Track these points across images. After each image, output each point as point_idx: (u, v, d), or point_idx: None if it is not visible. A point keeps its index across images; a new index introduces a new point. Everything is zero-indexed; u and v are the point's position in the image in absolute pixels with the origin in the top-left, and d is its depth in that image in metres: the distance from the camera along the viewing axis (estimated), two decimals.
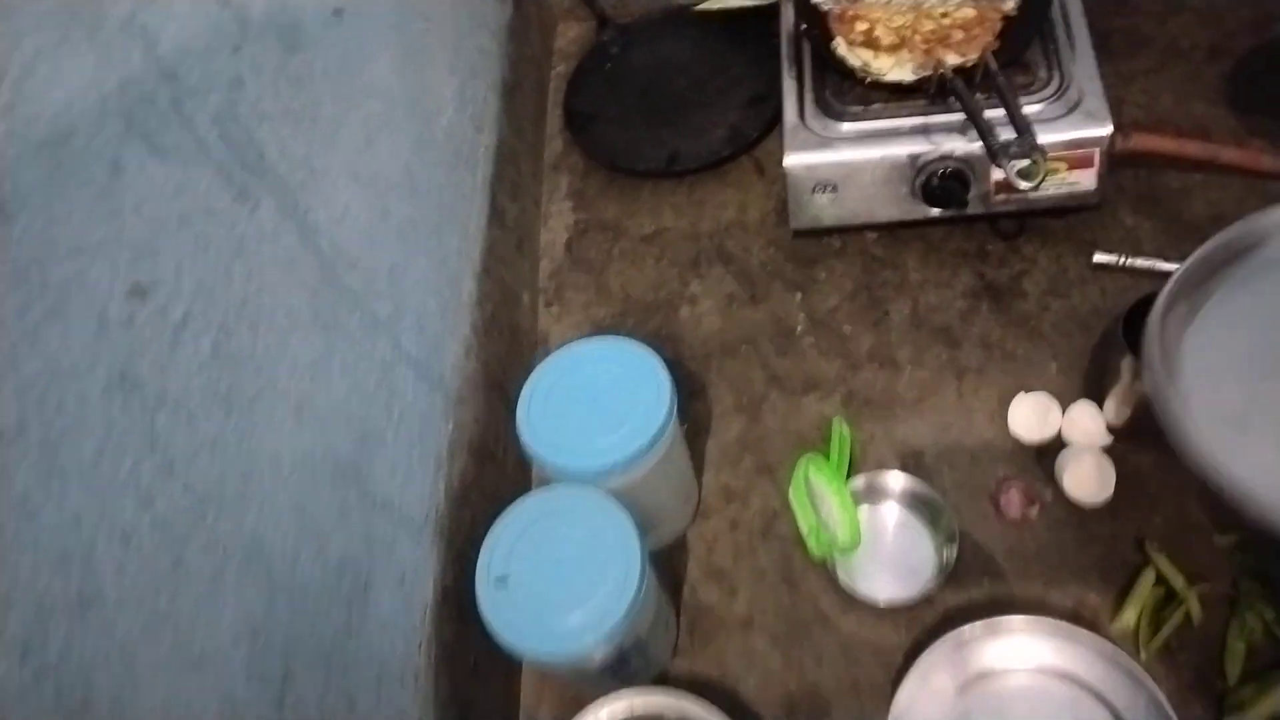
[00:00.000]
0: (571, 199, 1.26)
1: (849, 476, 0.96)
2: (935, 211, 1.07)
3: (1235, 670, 0.83)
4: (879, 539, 0.95)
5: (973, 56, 1.00)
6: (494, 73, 1.11)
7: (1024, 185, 0.89)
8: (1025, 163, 0.90)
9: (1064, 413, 0.96)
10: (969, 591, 0.91)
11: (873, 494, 0.96)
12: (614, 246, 1.21)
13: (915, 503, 0.95)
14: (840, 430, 0.99)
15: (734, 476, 1.02)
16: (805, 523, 0.93)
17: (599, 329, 1.15)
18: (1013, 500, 0.94)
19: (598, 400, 0.83)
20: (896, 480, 0.96)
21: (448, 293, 0.92)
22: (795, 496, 0.95)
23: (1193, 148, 1.05)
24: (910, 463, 0.99)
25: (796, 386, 1.06)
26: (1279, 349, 0.59)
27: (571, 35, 1.40)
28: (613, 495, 0.80)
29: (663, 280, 1.17)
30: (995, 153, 0.90)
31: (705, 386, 1.08)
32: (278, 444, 0.64)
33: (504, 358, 1.02)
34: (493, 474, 0.94)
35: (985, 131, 0.93)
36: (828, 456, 0.97)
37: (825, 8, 1.09)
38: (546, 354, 0.89)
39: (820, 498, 0.93)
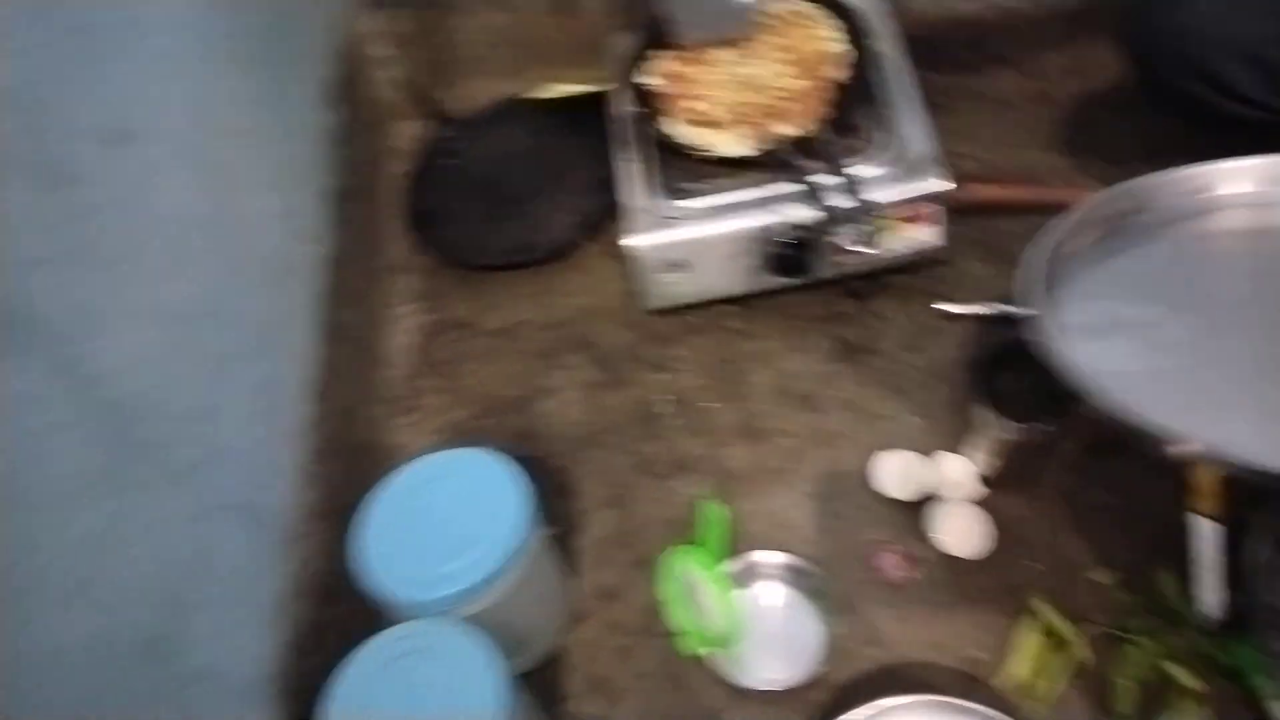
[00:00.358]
0: (420, 300, 1.21)
1: (725, 560, 0.92)
2: (785, 280, 1.06)
3: (1127, 709, 0.81)
4: (763, 622, 0.91)
5: (804, 127, 1.01)
6: (321, 181, 1.06)
7: (863, 250, 0.88)
8: (861, 229, 0.90)
9: (934, 467, 0.95)
10: (858, 663, 0.88)
11: (751, 576, 0.93)
12: (468, 345, 1.16)
13: (795, 579, 0.92)
14: (712, 513, 0.96)
15: (610, 574, 0.98)
16: (681, 620, 0.89)
17: (459, 433, 1.10)
18: (892, 563, 0.92)
19: (445, 521, 0.78)
20: (774, 559, 0.93)
21: (275, 423, 0.86)
22: (668, 592, 0.91)
23: (1025, 193, 1.08)
24: (788, 536, 0.96)
25: (666, 470, 1.03)
26: (1146, 285, 0.60)
27: (410, 134, 1.37)
28: (472, 622, 0.74)
29: (521, 374, 1.13)
30: (831, 221, 0.90)
31: (573, 482, 1.04)
32: (55, 634, 0.57)
33: (352, 481, 0.95)
34: (347, 612, 0.87)
35: (819, 203, 0.93)
36: (701, 542, 0.93)
37: (654, 89, 1.09)
38: None
39: (696, 589, 0.90)
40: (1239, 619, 0.82)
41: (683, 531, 0.97)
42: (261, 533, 0.80)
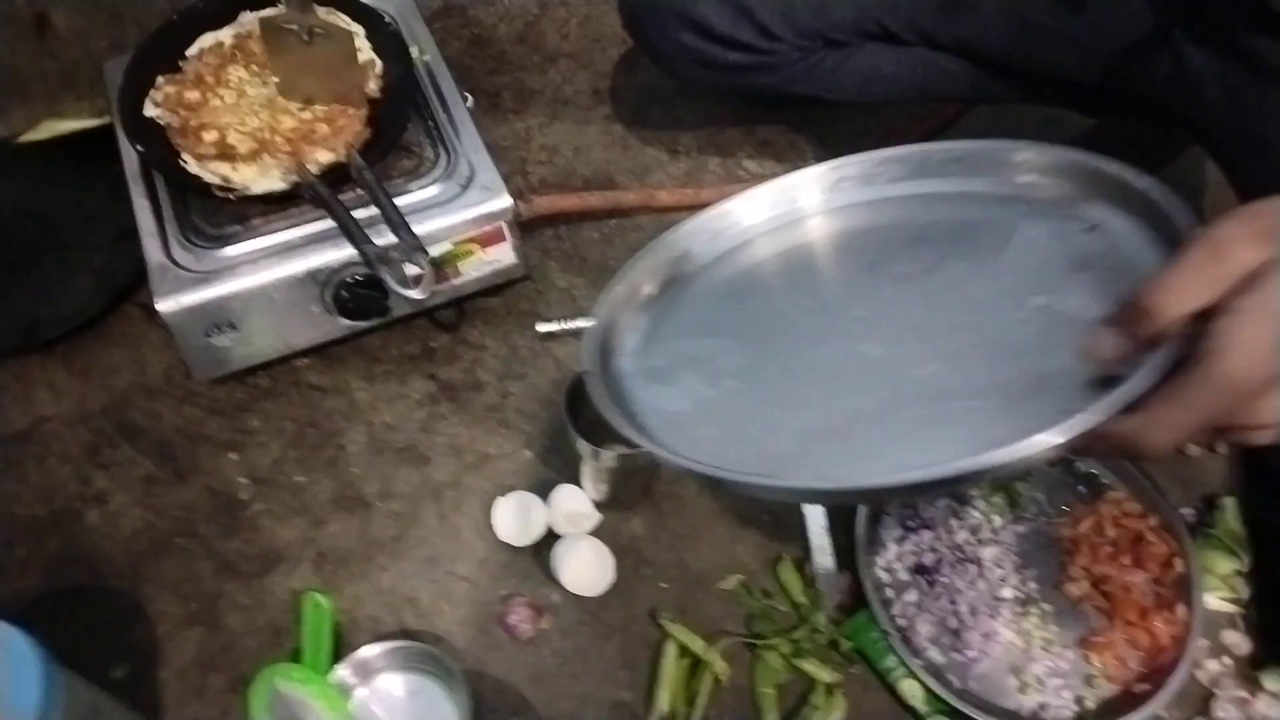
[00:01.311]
0: None
1: (332, 664, 0.80)
2: (361, 324, 0.95)
3: (771, 716, 0.80)
4: None
5: (342, 151, 0.89)
6: None
7: (413, 294, 0.79)
8: (415, 263, 0.80)
9: (549, 504, 0.89)
10: None
11: (366, 673, 0.81)
12: None
13: (419, 663, 0.82)
14: (314, 606, 0.83)
15: (203, 707, 0.82)
16: None
17: None
18: (522, 617, 0.85)
19: None
20: (390, 647, 0.81)
21: None
22: None
23: (594, 199, 1.05)
24: (408, 614, 0.86)
25: (256, 568, 0.88)
26: (702, 321, 0.59)
27: None
28: None
29: (55, 485, 0.92)
30: (373, 262, 0.80)
31: (141, 605, 0.86)
32: None
33: None
34: None
35: (359, 240, 0.82)
36: (306, 647, 0.80)
37: (163, 121, 0.92)
38: None
39: (303, 706, 0.76)
40: (857, 597, 0.84)
41: (286, 638, 0.83)
42: None
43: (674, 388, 0.55)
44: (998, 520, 0.87)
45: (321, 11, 0.96)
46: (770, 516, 0.90)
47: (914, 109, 1.15)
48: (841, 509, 0.88)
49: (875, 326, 0.53)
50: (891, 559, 0.85)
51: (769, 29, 0.90)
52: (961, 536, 0.86)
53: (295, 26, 0.88)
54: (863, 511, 0.86)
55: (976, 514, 0.87)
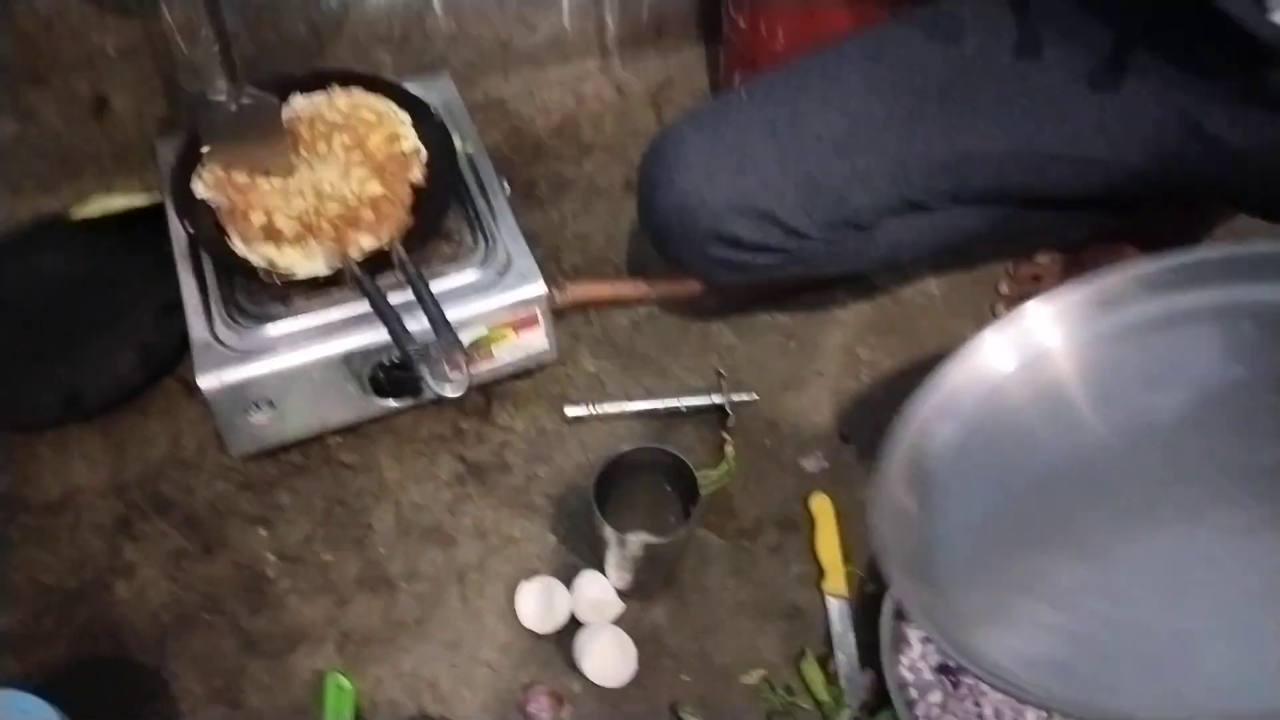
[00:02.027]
0: None
1: None
2: (394, 404, 0.97)
3: None
4: None
5: (387, 237, 0.92)
6: None
7: (448, 392, 0.80)
8: (450, 353, 0.82)
9: (573, 590, 0.89)
10: None
11: None
12: (11, 527, 0.94)
13: None
14: (336, 688, 0.83)
15: None
16: None
17: (6, 645, 0.87)
18: (542, 706, 0.84)
19: None
20: None
21: None
22: None
23: (626, 287, 1.07)
24: (429, 699, 0.86)
25: (280, 646, 0.88)
26: (1016, 515, 0.53)
27: None
28: None
29: (86, 556, 0.93)
30: (412, 358, 0.81)
31: (165, 680, 0.86)
32: None
33: None
34: None
35: (399, 335, 0.84)
36: None
37: (212, 203, 0.95)
38: None
39: None
40: (881, 696, 0.84)
41: (310, 717, 0.83)
42: None
43: (1023, 625, 0.48)
44: None
45: (371, 99, 1.00)
46: (793, 609, 0.90)
47: None
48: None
49: (1192, 507, 0.48)
50: (916, 658, 0.85)
51: (795, 228, 0.89)
52: None
53: (224, 98, 0.90)
54: (887, 608, 0.86)
55: None
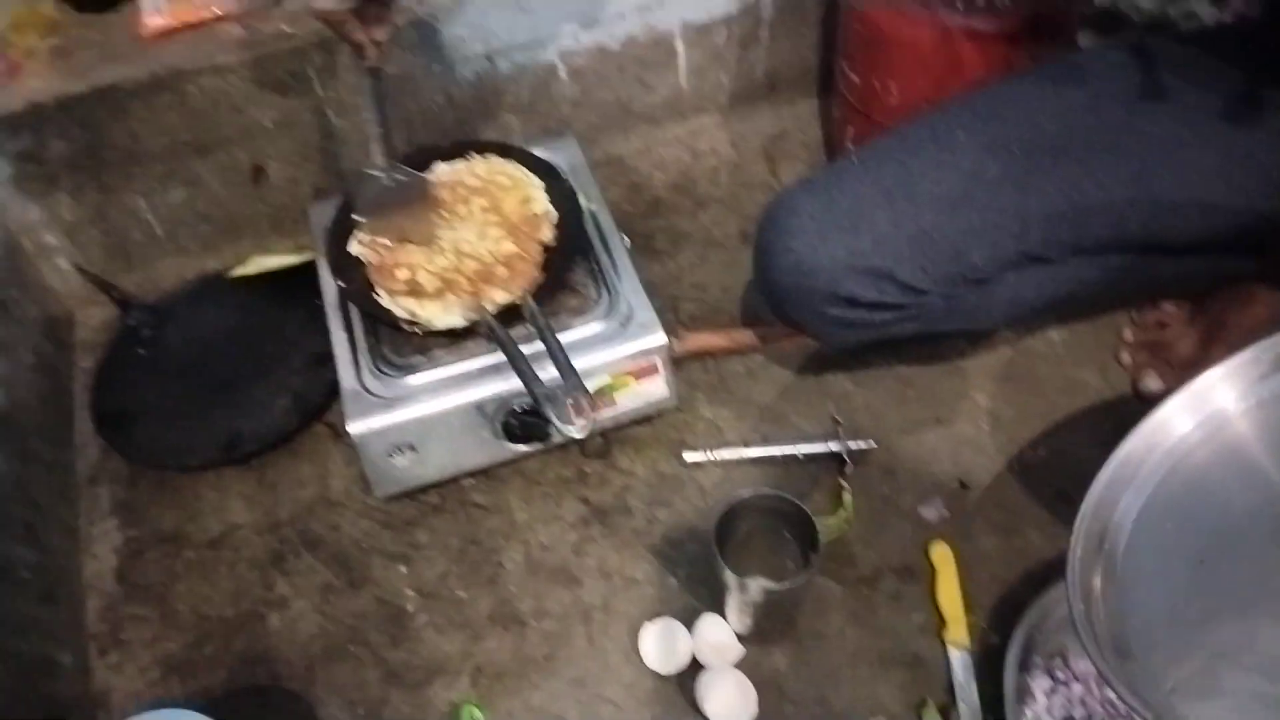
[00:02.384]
0: (117, 515, 1.06)
1: None
2: (524, 448, 1.02)
3: None
4: None
5: (518, 292, 0.98)
6: None
7: (574, 433, 0.85)
8: (576, 400, 0.87)
9: (694, 632, 0.92)
10: None
11: None
12: (176, 561, 1.02)
13: None
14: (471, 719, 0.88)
15: None
16: None
17: (171, 669, 0.95)
18: None
19: None
20: None
21: None
22: None
23: (742, 337, 1.10)
24: None
25: (419, 678, 0.94)
26: (1212, 581, 0.54)
27: (95, 323, 1.22)
28: None
29: (242, 588, 1.00)
30: (541, 402, 0.86)
31: (313, 707, 0.92)
32: None
33: None
34: None
35: (529, 380, 0.89)
36: None
37: (364, 259, 1.03)
38: None
39: None
40: None
41: None
42: None
43: (1234, 697, 0.48)
44: None
45: (507, 165, 1.07)
46: (914, 658, 0.91)
47: None
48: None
49: None
50: (1040, 711, 0.84)
51: (911, 285, 0.91)
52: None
53: (380, 174, 0.98)
54: (1011, 659, 0.86)
55: None
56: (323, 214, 1.09)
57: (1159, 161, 0.88)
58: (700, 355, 1.11)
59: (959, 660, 0.89)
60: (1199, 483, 0.58)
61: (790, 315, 0.97)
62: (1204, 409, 0.59)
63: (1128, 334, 1.11)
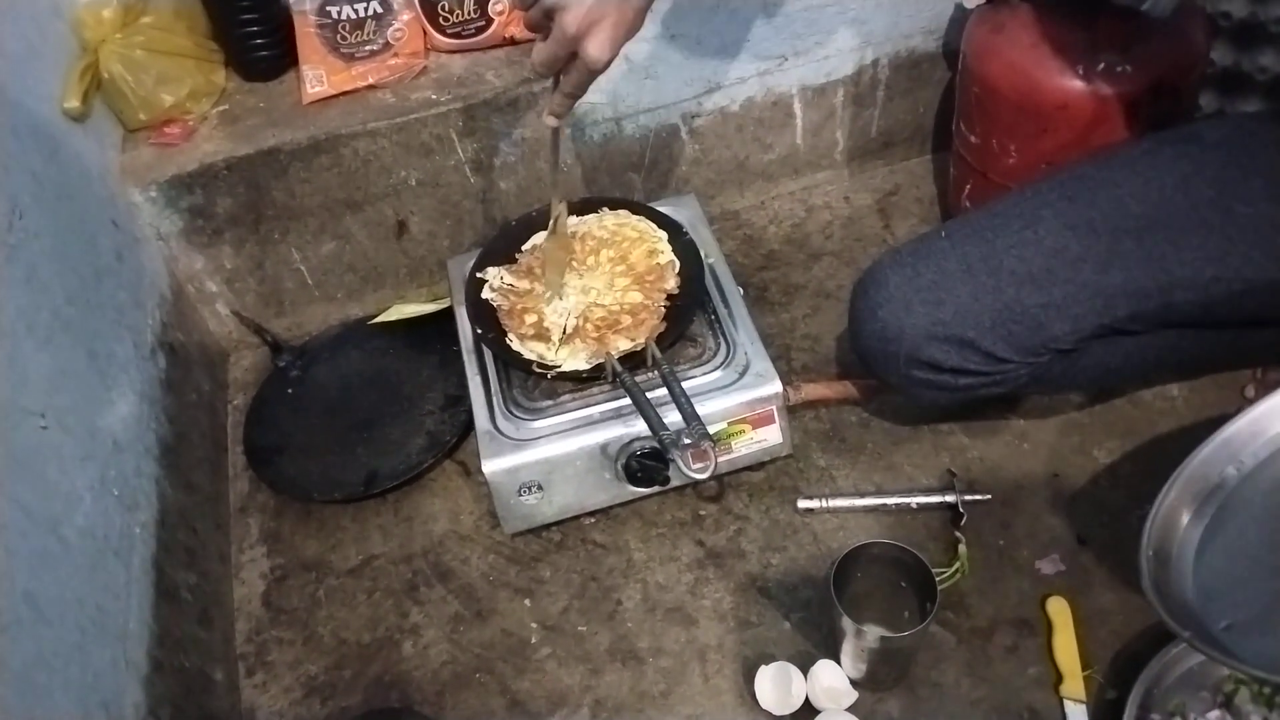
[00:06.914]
0: (265, 543, 1.15)
1: None
2: (643, 490, 1.06)
3: None
4: None
5: (641, 340, 1.03)
6: (147, 437, 1.01)
7: (697, 475, 0.89)
8: (698, 443, 0.91)
9: (809, 676, 0.94)
10: None
11: None
12: (319, 588, 1.10)
13: None
14: None
15: None
16: None
17: (313, 690, 1.02)
18: None
19: None
20: None
21: (100, 717, 0.78)
22: None
23: (855, 388, 1.13)
24: None
25: (541, 708, 0.98)
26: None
27: (247, 364, 1.33)
28: None
29: (379, 616, 1.07)
30: (665, 445, 0.91)
31: None
32: None
33: None
34: None
35: (654, 423, 0.94)
36: None
37: (496, 304, 1.10)
38: None
39: None
40: None
41: None
42: None
43: None
44: None
45: (634, 219, 1.14)
46: (1029, 711, 0.91)
47: None
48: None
49: None
50: None
51: (994, 353, 0.94)
52: None
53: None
54: (1129, 716, 0.85)
55: None
56: (460, 265, 1.18)
57: (1249, 240, 0.89)
58: (814, 405, 1.14)
59: (1075, 714, 0.89)
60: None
61: (879, 375, 1.02)
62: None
63: (1250, 391, 1.09)
